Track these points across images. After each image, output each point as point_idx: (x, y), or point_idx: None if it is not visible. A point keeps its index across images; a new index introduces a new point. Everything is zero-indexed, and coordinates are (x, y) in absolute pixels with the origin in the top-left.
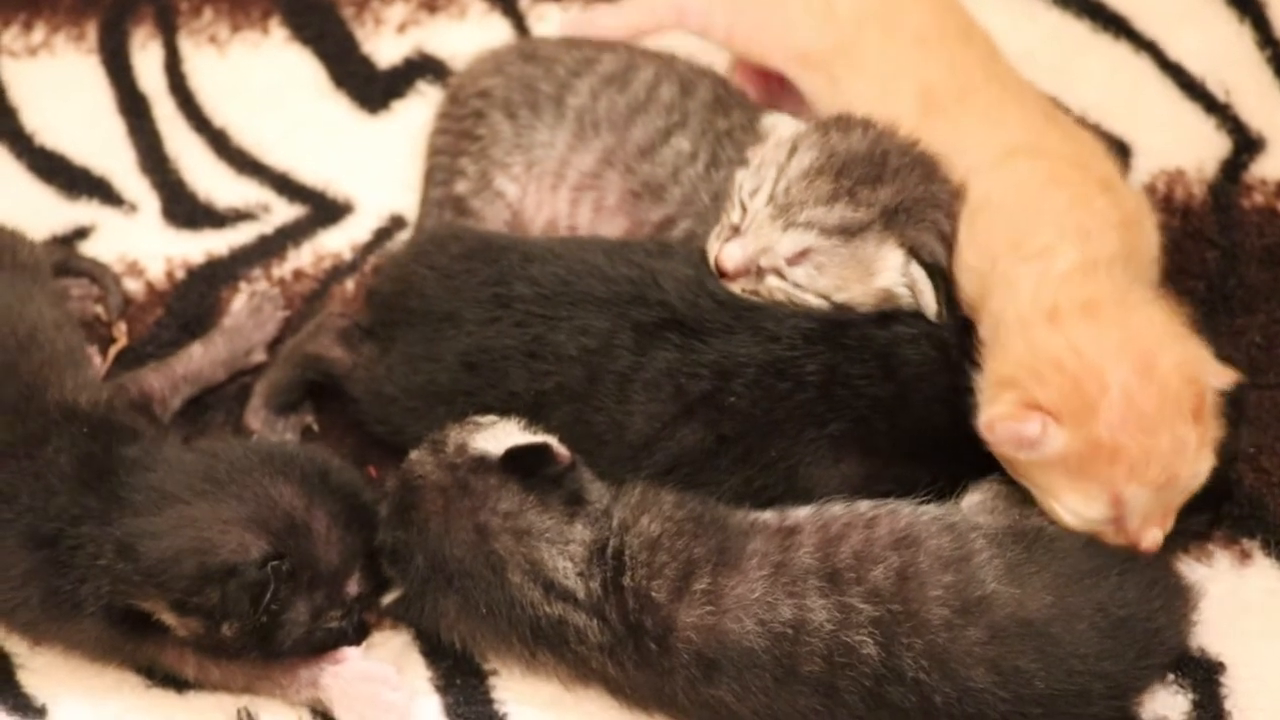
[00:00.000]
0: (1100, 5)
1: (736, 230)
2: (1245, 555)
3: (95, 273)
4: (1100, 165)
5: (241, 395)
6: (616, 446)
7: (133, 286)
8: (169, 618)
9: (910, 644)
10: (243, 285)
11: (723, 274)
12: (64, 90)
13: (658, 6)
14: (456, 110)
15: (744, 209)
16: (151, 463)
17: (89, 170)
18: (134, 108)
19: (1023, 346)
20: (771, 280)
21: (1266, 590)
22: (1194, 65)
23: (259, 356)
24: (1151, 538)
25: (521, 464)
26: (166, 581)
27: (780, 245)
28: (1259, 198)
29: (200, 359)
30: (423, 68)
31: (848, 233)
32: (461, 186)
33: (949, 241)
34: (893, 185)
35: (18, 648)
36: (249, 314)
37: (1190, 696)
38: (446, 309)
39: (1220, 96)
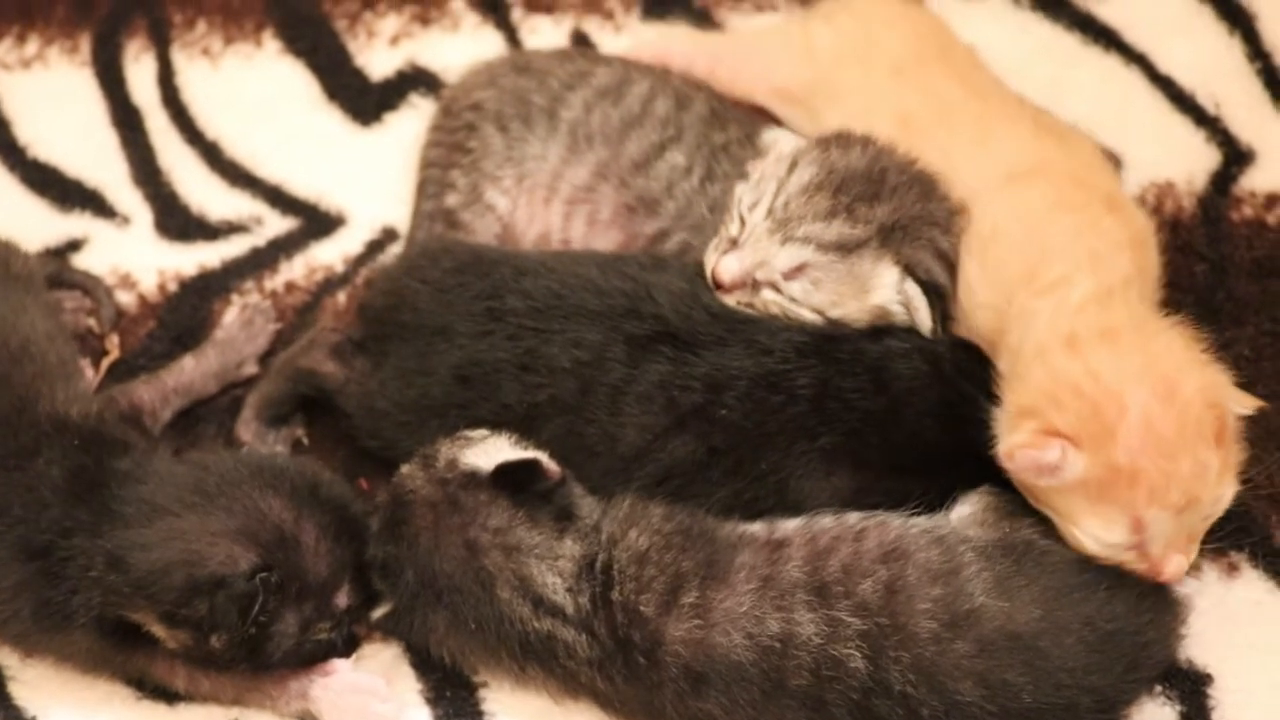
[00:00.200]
0: (1091, 18)
1: (734, 243)
2: (1233, 568)
3: (88, 285)
4: (1102, 180)
5: (233, 407)
6: (608, 458)
7: (125, 299)
8: (159, 629)
9: (898, 657)
10: (235, 297)
11: (719, 286)
12: (57, 103)
13: (643, 49)
14: (449, 123)
15: (742, 222)
16: (142, 475)
17: (82, 183)
18: (127, 120)
19: (1042, 375)
20: (767, 294)
21: (1254, 602)
22: (1184, 78)
23: (250, 369)
24: (1175, 565)
25: (511, 480)
26: (156, 593)
27: (778, 259)
28: (1248, 210)
29: (191, 371)
30: (415, 80)
31: (845, 249)
32: (452, 199)
33: (948, 259)
34: (890, 203)
35: (9, 660)
36: (240, 326)
37: (1178, 708)
38: (439, 323)
39: (1210, 109)
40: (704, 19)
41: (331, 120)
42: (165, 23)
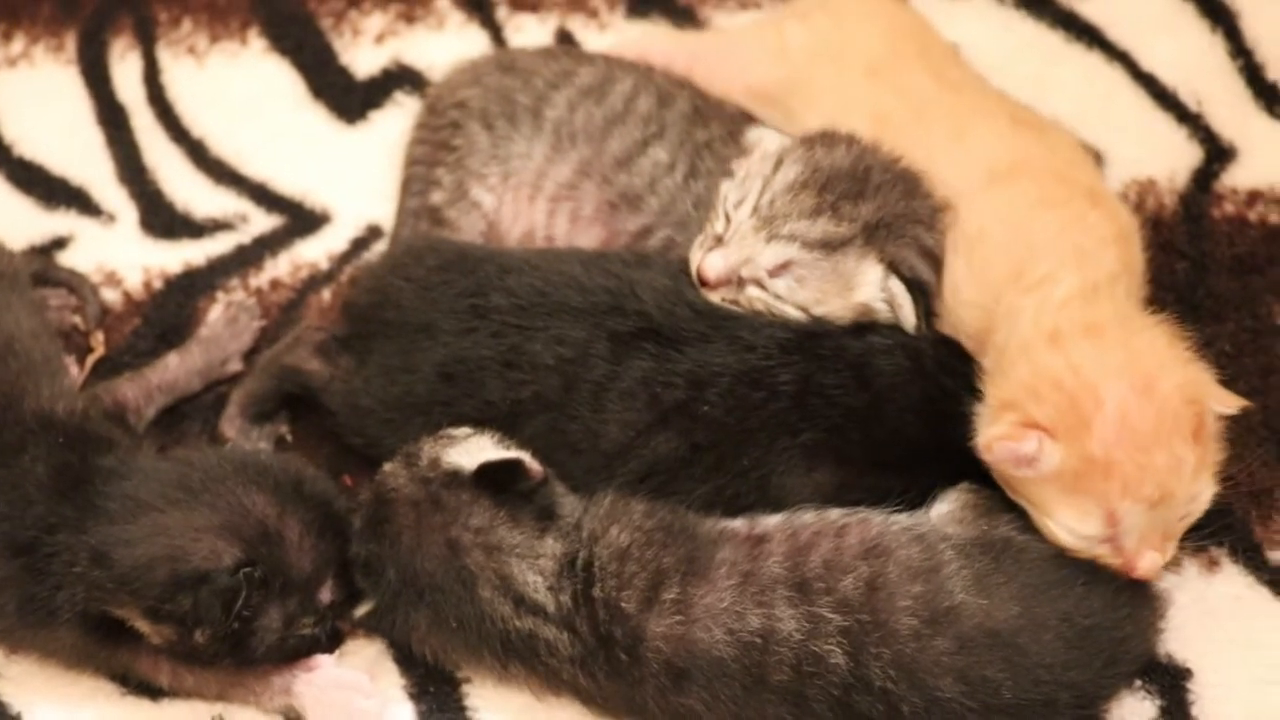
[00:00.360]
0: (1074, 16)
1: (720, 240)
2: (1213, 563)
3: (73, 283)
4: (1084, 175)
5: (218, 405)
6: (591, 455)
7: (110, 296)
8: (142, 625)
9: (878, 654)
10: (220, 295)
11: (704, 283)
12: (43, 100)
13: (624, 49)
14: (434, 121)
15: (728, 220)
16: (126, 471)
17: (67, 180)
18: (112, 118)
19: (1024, 369)
20: (752, 290)
21: (1233, 597)
22: (1166, 75)
23: (235, 366)
24: (1149, 562)
25: (494, 479)
26: (140, 589)
27: (763, 257)
28: (1230, 207)
29: (176, 369)
30: (401, 78)
31: (829, 247)
32: (437, 197)
33: (932, 255)
34: (874, 201)
35: None
36: (225, 324)
37: (1157, 702)
38: (423, 320)
39: (1192, 106)
40: (687, 16)
41: (317, 118)
42: (151, 21)
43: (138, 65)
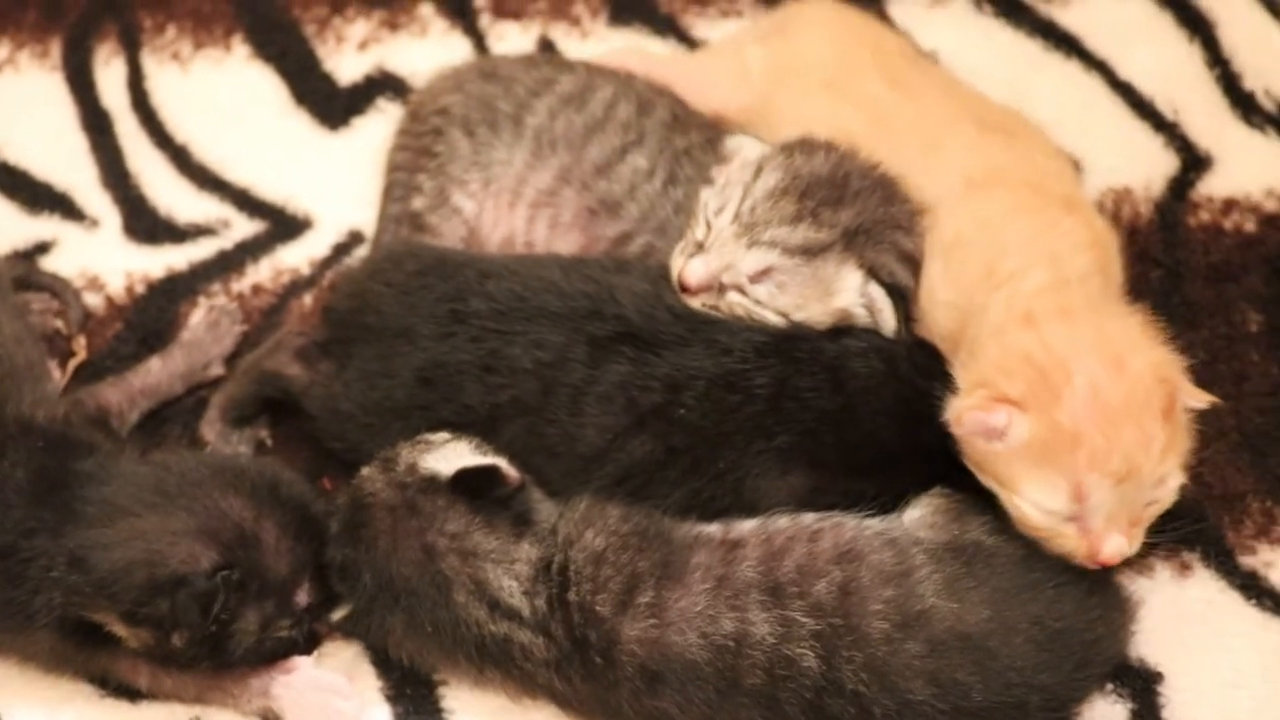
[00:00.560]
0: (1052, 24)
1: (701, 246)
2: (1185, 567)
3: (56, 287)
4: (1059, 183)
5: (199, 409)
6: (569, 459)
7: (93, 301)
8: (120, 629)
9: (851, 657)
10: (202, 300)
11: (685, 288)
12: (27, 106)
13: (612, 61)
14: (416, 127)
15: (709, 226)
16: (105, 476)
17: (51, 186)
18: (97, 124)
19: (996, 350)
20: (733, 296)
21: (1205, 601)
22: (1144, 84)
23: (217, 370)
24: (1114, 545)
25: (470, 485)
26: (117, 593)
27: (743, 263)
28: (1205, 215)
29: (158, 373)
30: (383, 85)
31: (809, 253)
32: (418, 203)
33: (912, 259)
34: (853, 207)
35: None
36: (207, 328)
37: (1129, 706)
38: (402, 325)
39: (1169, 115)
40: (669, 25)
41: (300, 124)
42: (135, 27)
43: (122, 71)
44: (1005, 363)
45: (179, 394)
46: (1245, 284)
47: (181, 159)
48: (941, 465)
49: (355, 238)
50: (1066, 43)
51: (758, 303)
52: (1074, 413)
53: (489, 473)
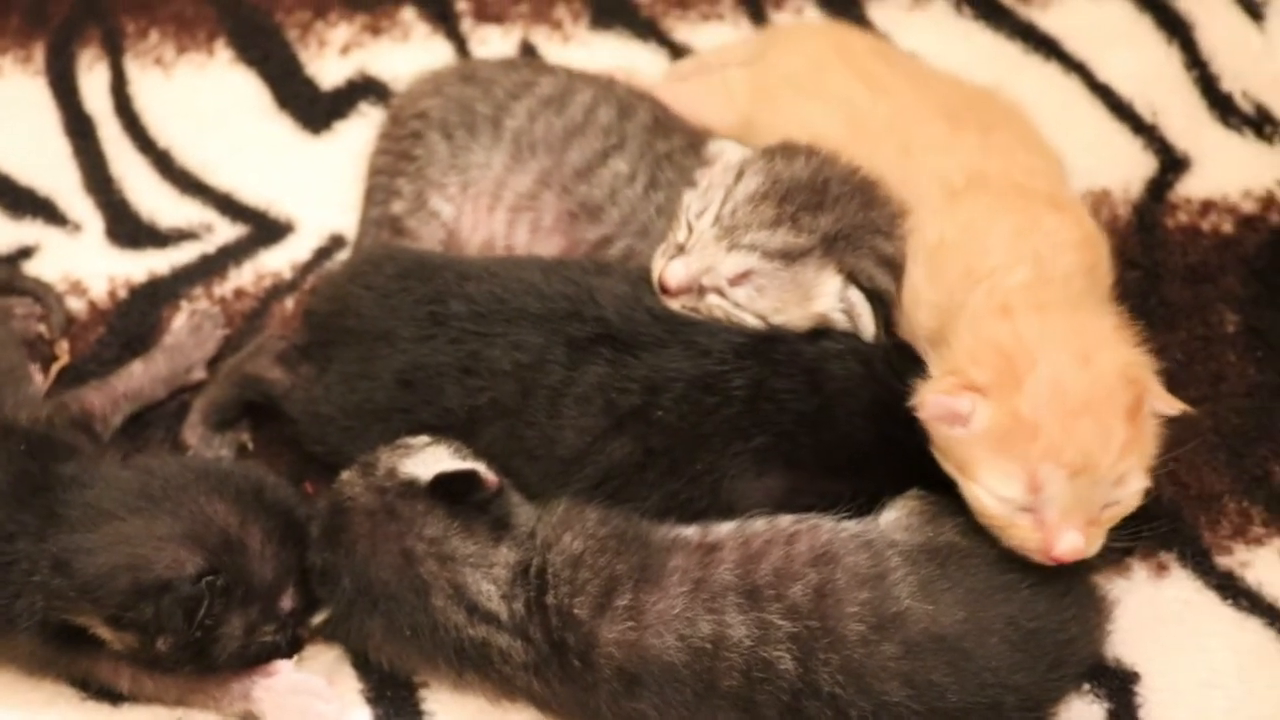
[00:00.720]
0: (1032, 27)
1: (681, 249)
2: (1162, 567)
3: (39, 292)
4: (1043, 182)
5: (181, 412)
6: (548, 461)
7: (75, 305)
8: (104, 632)
9: (827, 659)
10: (184, 304)
11: (665, 290)
12: (10, 111)
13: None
14: (395, 131)
15: (690, 229)
16: (88, 480)
17: (34, 190)
18: (80, 128)
19: (969, 338)
20: (712, 299)
21: (1182, 601)
22: (1123, 86)
23: (199, 374)
24: (1069, 542)
25: (449, 490)
26: (101, 597)
27: (723, 265)
28: (1183, 216)
29: (141, 376)
30: (365, 89)
31: (789, 257)
32: (398, 206)
33: (892, 263)
34: (833, 212)
35: None
36: (189, 332)
37: (1106, 706)
38: (383, 328)
39: (1148, 117)
40: (650, 29)
41: (282, 128)
42: (118, 32)
43: (105, 76)
44: (976, 351)
45: (161, 398)
46: (1222, 285)
47: (164, 163)
48: (917, 467)
49: (337, 242)
50: (1046, 45)
51: (737, 305)
52: (1034, 402)
53: (467, 477)
